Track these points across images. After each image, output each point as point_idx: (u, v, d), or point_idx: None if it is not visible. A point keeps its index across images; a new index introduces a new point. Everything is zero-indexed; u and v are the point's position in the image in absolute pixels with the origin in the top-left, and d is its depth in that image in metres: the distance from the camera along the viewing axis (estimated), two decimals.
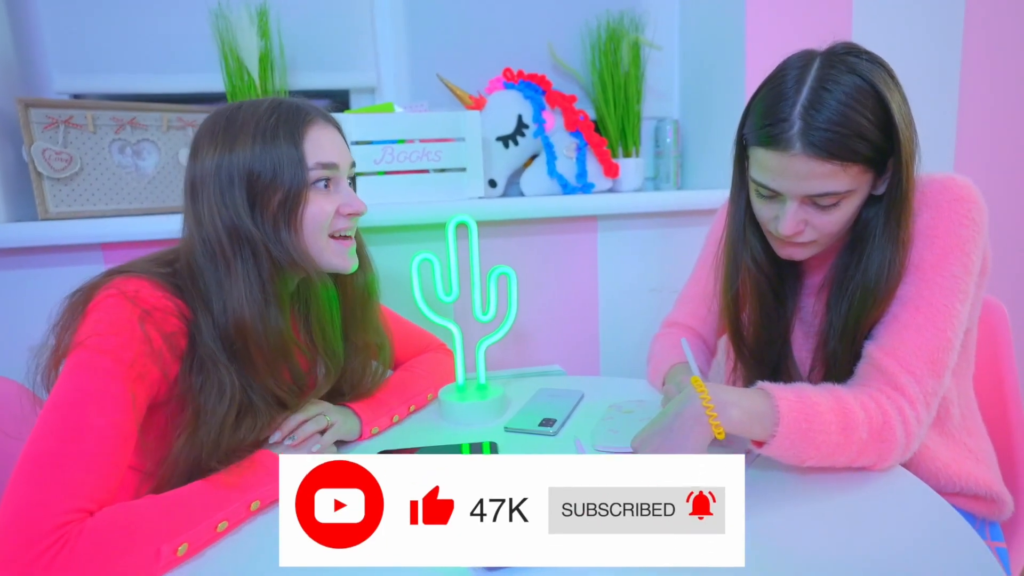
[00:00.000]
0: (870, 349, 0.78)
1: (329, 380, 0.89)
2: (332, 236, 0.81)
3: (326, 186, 0.79)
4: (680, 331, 1.09)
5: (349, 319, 0.92)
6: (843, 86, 0.73)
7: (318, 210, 0.78)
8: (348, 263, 0.84)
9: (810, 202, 0.77)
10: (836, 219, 0.78)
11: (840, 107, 0.72)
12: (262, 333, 0.75)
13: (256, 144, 0.75)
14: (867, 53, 0.76)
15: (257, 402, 0.76)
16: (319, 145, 0.78)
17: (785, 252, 0.85)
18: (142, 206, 1.26)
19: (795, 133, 0.73)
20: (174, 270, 0.76)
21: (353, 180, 0.85)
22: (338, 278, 0.90)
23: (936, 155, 1.64)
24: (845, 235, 0.84)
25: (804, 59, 0.77)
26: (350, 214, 0.82)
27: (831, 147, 0.72)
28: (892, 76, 0.76)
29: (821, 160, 0.73)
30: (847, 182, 0.75)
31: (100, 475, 0.64)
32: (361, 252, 0.91)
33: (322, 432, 0.84)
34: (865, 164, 0.74)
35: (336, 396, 0.92)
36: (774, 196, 0.79)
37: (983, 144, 1.65)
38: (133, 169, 1.25)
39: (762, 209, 0.83)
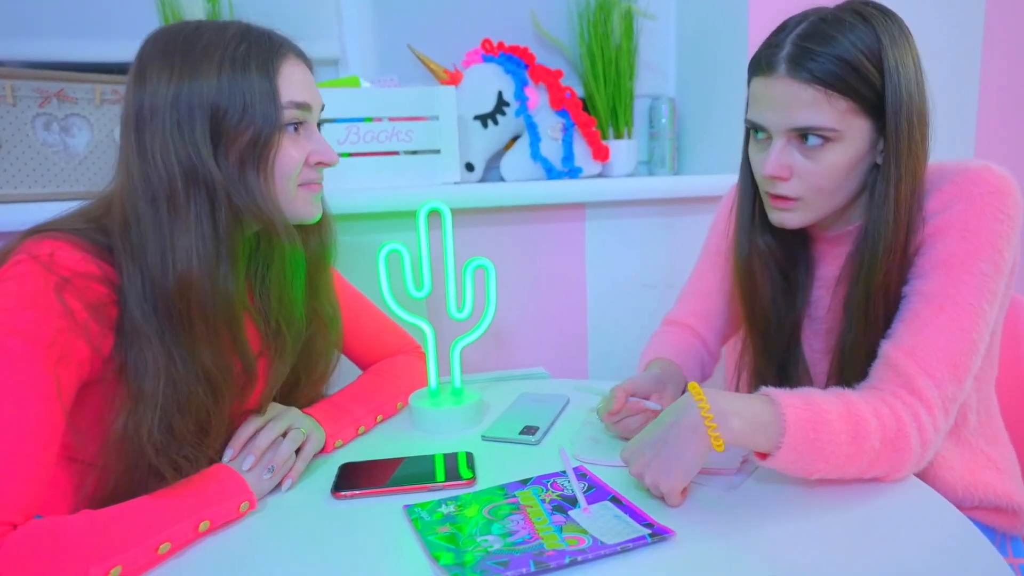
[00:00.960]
0: (887, 348, 0.78)
1: (287, 357, 0.85)
2: (300, 185, 0.79)
3: (296, 130, 0.77)
4: (680, 330, 1.10)
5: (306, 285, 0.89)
6: (844, 22, 0.78)
7: (287, 157, 0.75)
8: (313, 211, 0.82)
9: (796, 140, 0.80)
10: (824, 169, 0.80)
11: (834, 35, 0.77)
12: (208, 294, 0.71)
13: (223, 74, 0.71)
14: (881, 7, 0.80)
15: (200, 378, 0.72)
16: (293, 82, 0.76)
17: (776, 217, 0.87)
18: (72, 190, 1.22)
19: (783, 56, 0.79)
20: (101, 226, 0.72)
21: (320, 125, 0.84)
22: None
23: (955, 139, 1.65)
24: (859, 224, 0.85)
25: (814, 8, 0.83)
26: (319, 163, 0.80)
27: (815, 69, 0.76)
28: (905, 33, 0.79)
29: (803, 83, 0.77)
30: (832, 118, 0.77)
31: (22, 481, 0.62)
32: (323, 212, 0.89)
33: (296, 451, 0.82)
34: (855, 102, 0.77)
35: (284, 389, 0.89)
36: (766, 139, 0.83)
37: (1005, 129, 1.68)
38: (61, 148, 1.22)
39: (755, 158, 0.86)
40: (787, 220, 0.86)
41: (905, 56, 0.78)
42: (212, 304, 0.72)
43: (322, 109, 0.82)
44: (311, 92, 0.79)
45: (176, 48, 0.72)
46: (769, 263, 0.95)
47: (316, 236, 0.89)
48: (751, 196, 0.94)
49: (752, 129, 0.86)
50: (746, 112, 0.86)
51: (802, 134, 0.80)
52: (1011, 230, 0.78)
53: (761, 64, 0.81)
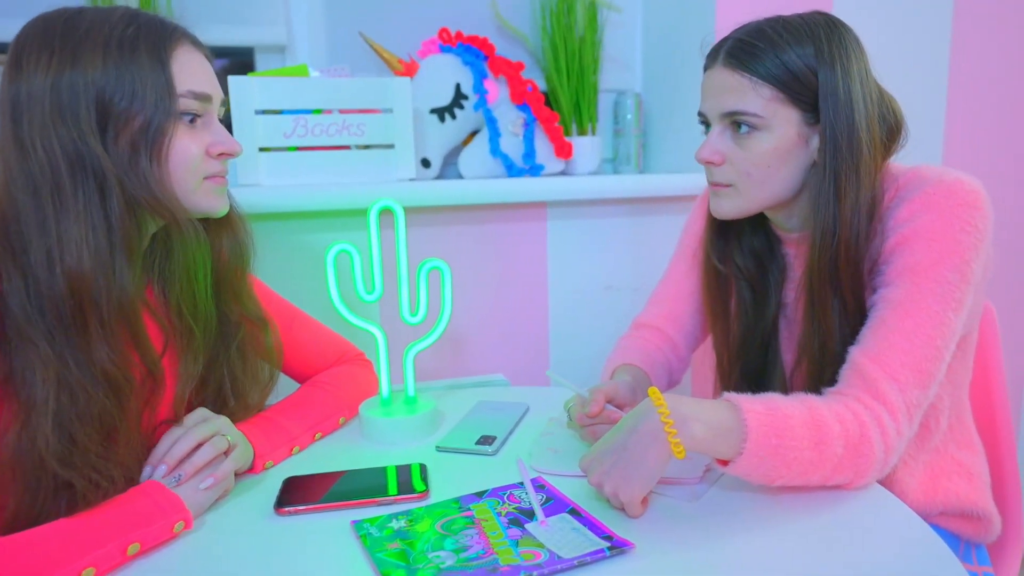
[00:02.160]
0: (854, 353, 0.81)
1: (197, 356, 0.83)
2: (206, 177, 0.78)
3: (193, 121, 0.76)
4: (650, 334, 1.13)
5: (220, 287, 0.87)
6: (788, 24, 0.86)
7: (183, 148, 0.75)
8: (218, 204, 0.81)
9: (731, 128, 0.88)
10: (752, 156, 0.87)
11: (772, 34, 0.85)
12: (103, 289, 0.70)
13: (109, 59, 0.70)
14: (830, 18, 0.87)
15: (98, 381, 0.70)
16: (191, 71, 0.75)
17: (713, 205, 0.94)
18: None
19: (722, 51, 0.88)
20: None
21: (224, 121, 0.83)
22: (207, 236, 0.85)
23: (923, 143, 1.71)
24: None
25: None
26: (222, 154, 0.79)
27: (743, 56, 0.85)
28: (850, 41, 0.86)
29: (733, 71, 0.86)
30: (757, 104, 0.85)
31: None
32: (232, 211, 0.87)
33: (224, 453, 0.80)
34: (781, 92, 0.84)
35: (218, 400, 0.88)
36: (709, 130, 0.91)
37: (973, 136, 1.74)
38: None
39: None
40: (721, 207, 0.92)
41: (847, 61, 0.84)
42: (107, 300, 0.70)
43: (223, 104, 0.82)
44: (211, 83, 0.78)
45: (55, 32, 0.70)
46: (739, 274, 1.00)
47: (228, 235, 0.87)
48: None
49: (702, 124, 0.93)
50: None
51: (735, 122, 0.87)
52: (979, 242, 0.82)
53: (708, 58, 0.91)
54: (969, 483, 0.95)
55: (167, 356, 0.80)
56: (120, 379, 0.72)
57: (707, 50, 0.92)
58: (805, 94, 0.84)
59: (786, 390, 0.97)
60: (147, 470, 0.77)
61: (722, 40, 0.90)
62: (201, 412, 0.82)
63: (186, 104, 0.75)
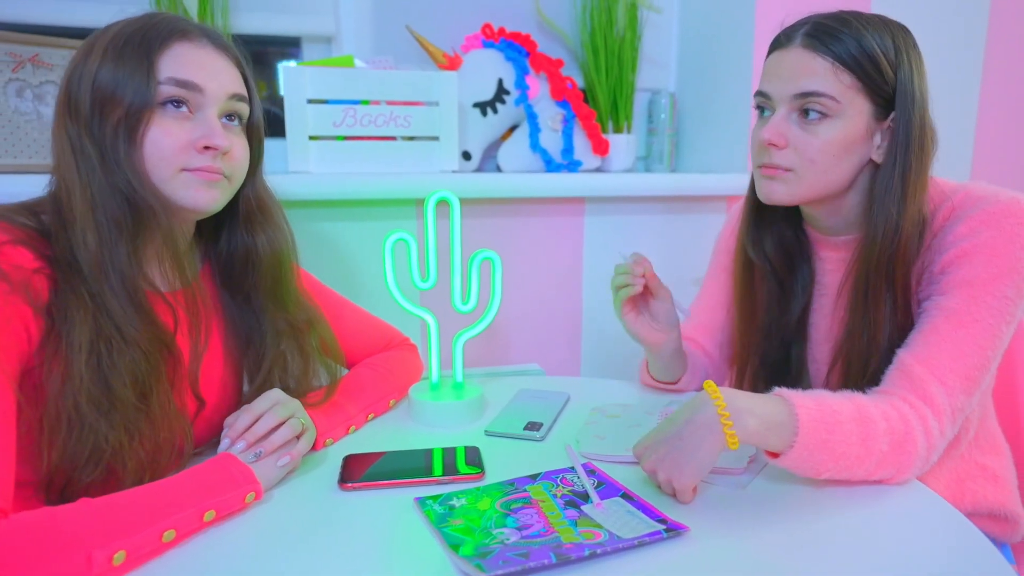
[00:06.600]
0: (902, 355, 0.84)
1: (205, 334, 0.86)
2: (187, 169, 0.79)
3: (181, 108, 0.78)
4: (685, 343, 1.14)
5: (266, 295, 0.92)
6: (867, 19, 0.87)
7: (163, 134, 0.77)
8: (198, 199, 0.80)
9: (798, 110, 0.88)
10: (819, 142, 0.87)
11: (856, 24, 0.86)
12: (107, 264, 0.74)
13: (108, 53, 0.76)
14: (901, 24, 0.89)
15: (125, 336, 0.74)
16: (181, 61, 0.78)
17: (765, 188, 0.93)
18: (45, 162, 1.22)
19: (802, 31, 0.88)
20: (35, 213, 0.76)
21: (238, 119, 0.84)
22: (246, 247, 0.90)
23: (953, 155, 1.72)
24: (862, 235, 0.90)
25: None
26: (207, 147, 0.79)
27: (830, 43, 0.85)
28: (919, 51, 0.88)
29: (815, 54, 0.86)
30: (836, 88, 0.85)
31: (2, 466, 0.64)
32: (267, 211, 0.91)
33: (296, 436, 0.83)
34: (860, 81, 0.85)
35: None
36: (771, 111, 0.90)
37: (1002, 144, 1.75)
38: (35, 117, 1.21)
39: (756, 133, 0.93)
40: (775, 191, 0.91)
41: (919, 64, 0.87)
42: (111, 275, 0.75)
43: (236, 99, 0.83)
44: (205, 73, 0.79)
45: (93, 35, 0.78)
46: (767, 268, 1.02)
47: (269, 244, 0.91)
48: (757, 199, 0.99)
49: (759, 108, 0.93)
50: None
51: (804, 108, 0.87)
52: None
53: (780, 39, 0.91)
54: (995, 485, 0.97)
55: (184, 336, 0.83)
56: (142, 341, 0.76)
57: (775, 38, 0.92)
58: (883, 87, 0.86)
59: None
60: (225, 443, 0.80)
61: (798, 22, 0.90)
62: (277, 394, 0.85)
63: (167, 90, 0.77)
